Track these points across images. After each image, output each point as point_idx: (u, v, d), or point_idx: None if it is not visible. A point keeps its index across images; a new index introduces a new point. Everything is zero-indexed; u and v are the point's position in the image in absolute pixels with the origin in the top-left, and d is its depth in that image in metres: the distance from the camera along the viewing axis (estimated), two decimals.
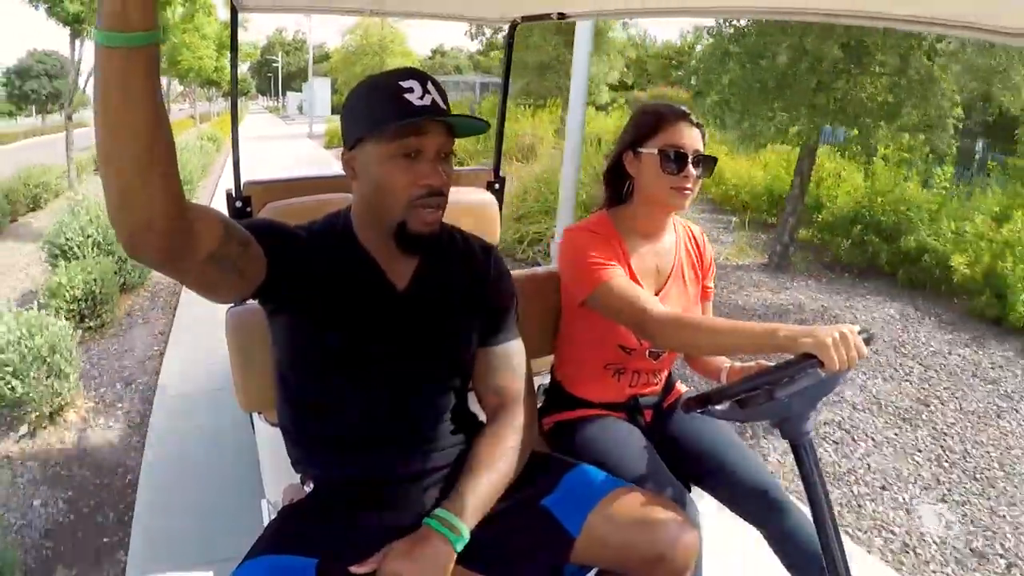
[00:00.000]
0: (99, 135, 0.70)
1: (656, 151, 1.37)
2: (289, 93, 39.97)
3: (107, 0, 0.64)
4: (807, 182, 5.83)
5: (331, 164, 12.26)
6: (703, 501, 1.45)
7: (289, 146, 15.89)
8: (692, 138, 1.38)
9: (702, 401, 1.08)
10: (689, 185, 1.37)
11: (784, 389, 1.02)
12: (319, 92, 26.90)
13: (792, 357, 1.04)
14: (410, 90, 1.01)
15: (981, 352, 4.15)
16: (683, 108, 1.41)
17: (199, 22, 14.31)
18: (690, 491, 1.42)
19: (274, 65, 49.86)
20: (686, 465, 1.45)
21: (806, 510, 1.13)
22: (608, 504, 1.12)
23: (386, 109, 1.01)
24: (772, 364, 1.10)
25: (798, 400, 1.03)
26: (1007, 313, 4.44)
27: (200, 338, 3.84)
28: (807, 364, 1.00)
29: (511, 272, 1.28)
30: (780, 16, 1.43)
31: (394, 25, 22.91)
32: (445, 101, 1.05)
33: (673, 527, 1.09)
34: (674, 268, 1.49)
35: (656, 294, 1.45)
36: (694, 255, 1.55)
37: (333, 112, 25.76)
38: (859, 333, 1.04)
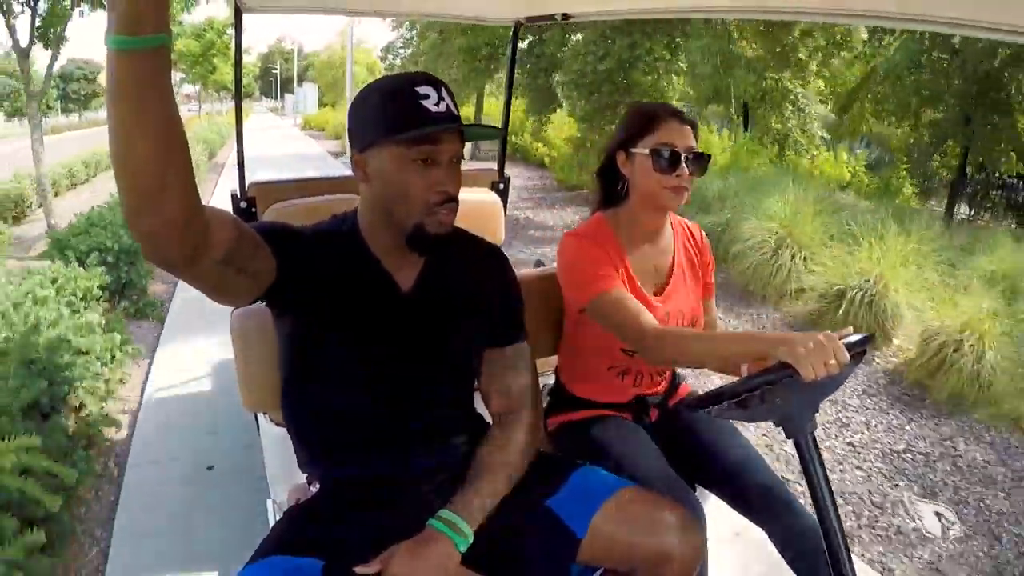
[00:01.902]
0: (114, 140, 0.70)
1: (648, 151, 1.35)
2: (286, 95, 46.18)
3: (120, 4, 0.64)
4: None
5: (299, 134, 23.82)
6: (708, 500, 1.45)
7: (279, 129, 26.28)
8: (684, 136, 1.35)
9: (705, 401, 1.08)
10: (683, 184, 1.35)
11: (772, 393, 1.02)
12: (308, 94, 35.63)
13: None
14: (426, 96, 1.01)
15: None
16: (675, 106, 1.40)
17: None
18: (695, 490, 1.41)
19: (274, 72, 58.95)
20: (691, 464, 1.45)
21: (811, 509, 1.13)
22: (614, 504, 1.11)
23: (404, 115, 1.00)
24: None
25: (798, 400, 1.03)
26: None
27: None
28: (783, 373, 0.99)
29: (516, 273, 1.28)
30: (783, 16, 1.43)
31: (361, 43, 31.64)
32: (456, 107, 1.06)
33: (679, 527, 1.09)
34: (674, 267, 1.48)
35: (657, 294, 1.44)
36: (693, 253, 1.54)
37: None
38: (853, 336, 1.04)
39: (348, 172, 1.33)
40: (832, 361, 0.96)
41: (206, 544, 2.01)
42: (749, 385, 1.03)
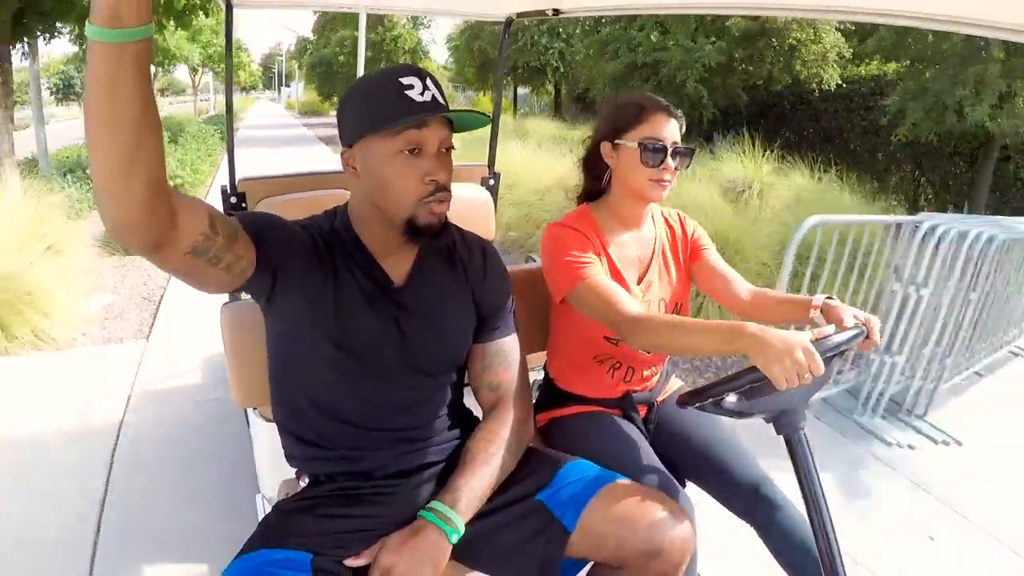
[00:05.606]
0: (88, 128, 0.70)
1: (636, 144, 1.36)
2: (283, 88, 60.88)
3: None
4: None
5: (281, 109, 44.86)
6: (697, 496, 1.46)
7: (273, 110, 38.97)
8: (671, 130, 1.37)
9: (697, 396, 1.08)
10: (668, 177, 1.37)
11: (762, 390, 1.02)
12: (297, 87, 48.35)
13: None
14: (410, 87, 1.01)
15: None
16: (663, 100, 1.41)
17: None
18: (684, 486, 1.42)
19: (273, 70, 75.51)
20: (680, 460, 1.45)
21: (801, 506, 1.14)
22: (603, 498, 1.12)
23: (388, 107, 1.00)
24: None
25: (793, 395, 1.03)
26: None
27: None
28: (754, 377, 0.99)
29: (507, 268, 1.28)
30: (783, 12, 1.43)
31: None
32: (443, 96, 1.05)
33: (668, 521, 1.09)
34: (654, 254, 1.49)
35: (639, 282, 1.45)
36: (676, 238, 1.54)
37: None
38: (853, 329, 1.03)
39: (330, 164, 1.34)
40: (807, 374, 0.96)
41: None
42: (738, 382, 1.03)
